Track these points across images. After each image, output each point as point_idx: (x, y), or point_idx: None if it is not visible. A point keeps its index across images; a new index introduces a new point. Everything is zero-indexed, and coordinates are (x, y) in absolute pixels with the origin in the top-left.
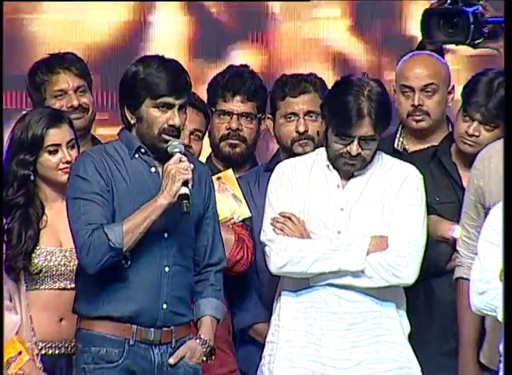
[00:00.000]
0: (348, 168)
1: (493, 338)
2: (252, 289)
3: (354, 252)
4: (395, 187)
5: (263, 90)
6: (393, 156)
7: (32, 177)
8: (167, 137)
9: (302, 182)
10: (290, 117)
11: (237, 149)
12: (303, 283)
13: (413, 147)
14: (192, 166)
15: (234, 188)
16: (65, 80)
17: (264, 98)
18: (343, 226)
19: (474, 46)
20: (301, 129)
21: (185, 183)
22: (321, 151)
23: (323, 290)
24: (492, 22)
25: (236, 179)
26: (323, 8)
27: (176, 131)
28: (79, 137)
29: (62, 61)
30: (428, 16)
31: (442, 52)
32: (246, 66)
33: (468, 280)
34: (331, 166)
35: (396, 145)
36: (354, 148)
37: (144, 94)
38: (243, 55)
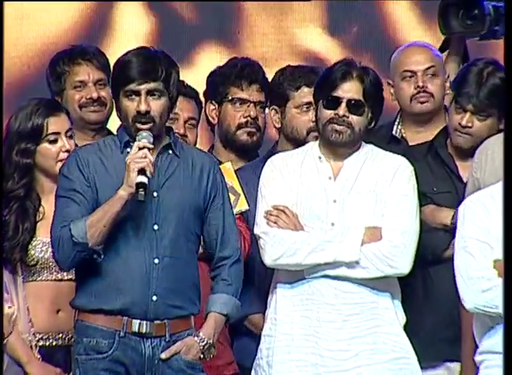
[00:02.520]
0: (336, 137)
1: None
2: (246, 280)
3: (349, 243)
4: (387, 179)
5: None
6: (391, 144)
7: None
8: (139, 126)
9: (294, 175)
10: (308, 107)
11: (254, 138)
12: (298, 276)
13: (411, 135)
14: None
15: (232, 181)
16: (86, 72)
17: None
18: (336, 217)
19: (490, 38)
20: None
21: (141, 172)
22: (313, 144)
23: (318, 282)
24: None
25: (238, 169)
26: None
27: (145, 118)
28: (94, 131)
29: (84, 53)
30: (446, 7)
31: (466, 52)
32: (248, 58)
33: None
34: (323, 158)
35: (394, 132)
36: (342, 109)
37: (118, 85)
38: (211, 54)
